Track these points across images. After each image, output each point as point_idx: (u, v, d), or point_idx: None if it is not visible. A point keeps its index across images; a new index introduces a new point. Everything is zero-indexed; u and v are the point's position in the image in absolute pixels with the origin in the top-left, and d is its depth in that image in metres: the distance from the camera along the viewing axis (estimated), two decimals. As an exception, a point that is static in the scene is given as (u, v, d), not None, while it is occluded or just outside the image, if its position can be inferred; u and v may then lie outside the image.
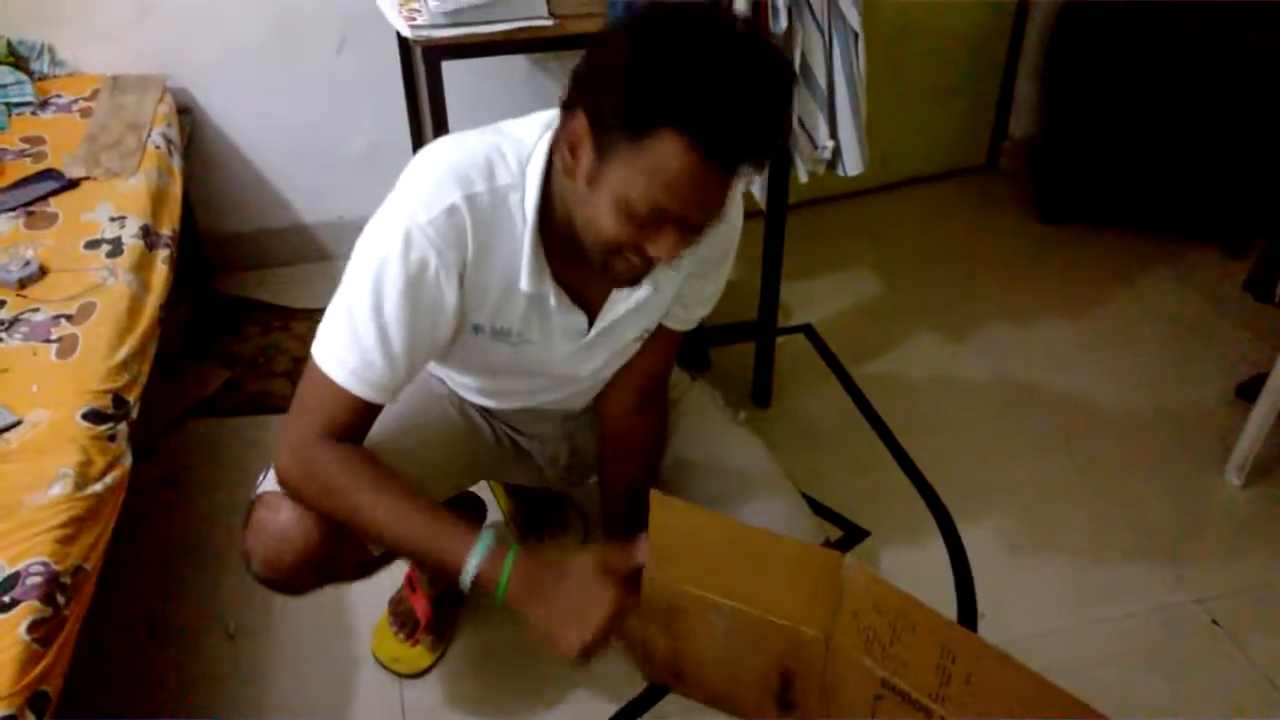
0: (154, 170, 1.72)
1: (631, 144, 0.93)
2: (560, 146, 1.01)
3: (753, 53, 0.94)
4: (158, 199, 1.67)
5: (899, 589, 1.10)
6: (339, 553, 1.13)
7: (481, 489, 1.61)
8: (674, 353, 1.34)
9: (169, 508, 1.66)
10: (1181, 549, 1.62)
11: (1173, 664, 1.43)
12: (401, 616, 1.44)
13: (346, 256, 1.05)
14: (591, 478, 1.45)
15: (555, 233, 1.07)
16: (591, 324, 1.17)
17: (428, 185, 1.04)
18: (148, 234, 1.56)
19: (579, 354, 1.22)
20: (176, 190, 1.77)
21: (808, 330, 2.15)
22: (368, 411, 1.09)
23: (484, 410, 1.35)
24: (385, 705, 1.38)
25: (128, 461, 1.23)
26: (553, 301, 1.12)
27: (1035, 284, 2.31)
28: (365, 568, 1.22)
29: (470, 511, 1.54)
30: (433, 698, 1.39)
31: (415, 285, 1.04)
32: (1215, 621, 1.49)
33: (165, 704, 1.38)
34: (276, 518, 1.11)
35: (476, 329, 1.15)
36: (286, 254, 2.36)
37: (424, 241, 1.02)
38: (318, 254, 2.38)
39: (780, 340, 1.97)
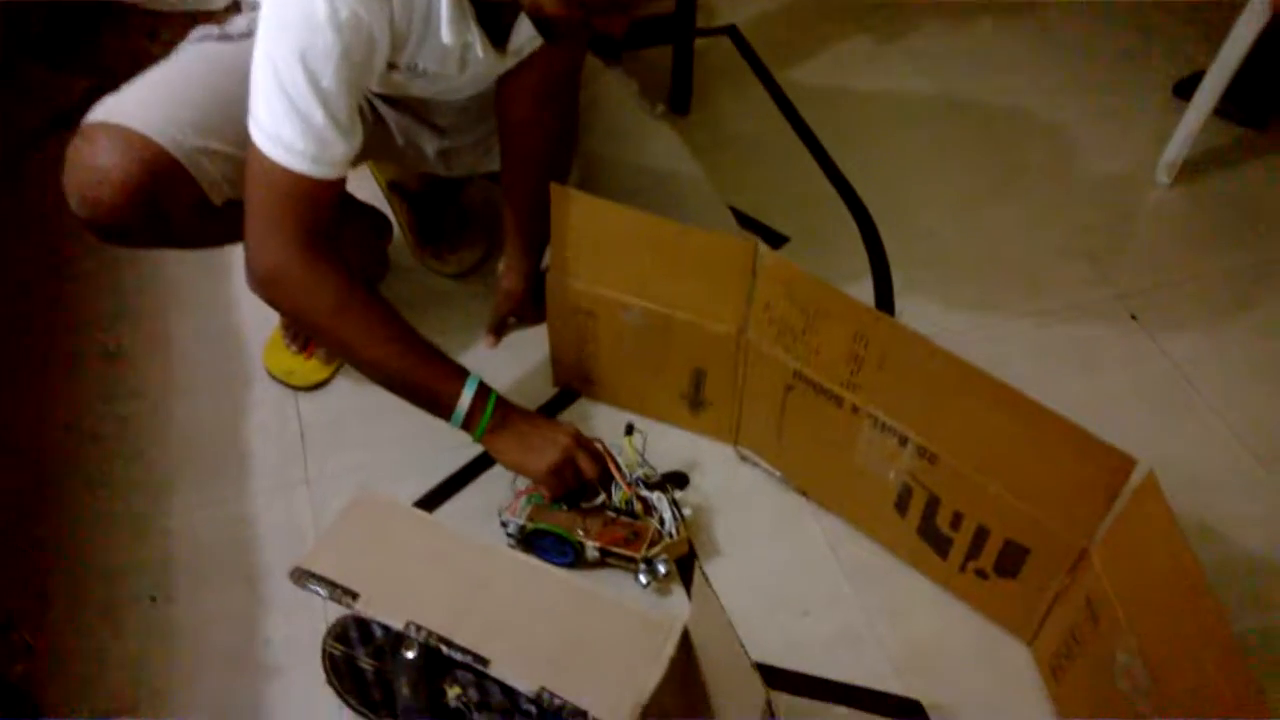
0: None
1: None
2: None
3: None
4: None
5: (812, 275, 1.04)
6: (168, 193, 1.05)
7: (382, 203, 1.50)
8: (582, 49, 1.25)
9: (40, 222, 1.51)
10: (1105, 247, 1.59)
11: (1091, 359, 1.42)
12: (294, 329, 1.35)
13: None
14: (481, 169, 1.34)
15: None
16: (506, 44, 1.09)
17: None
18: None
19: (492, 71, 1.15)
20: None
21: (731, 32, 2.00)
22: (336, 190, 1.03)
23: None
24: (281, 419, 1.33)
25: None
26: (478, 51, 1.04)
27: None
28: (207, 227, 1.13)
29: (373, 226, 1.44)
30: (330, 410, 1.33)
31: (350, 47, 0.95)
32: (1134, 317, 1.48)
33: (44, 426, 1.31)
34: (93, 149, 1.02)
35: (392, 67, 1.07)
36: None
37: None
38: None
39: (702, 43, 1.82)
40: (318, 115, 0.96)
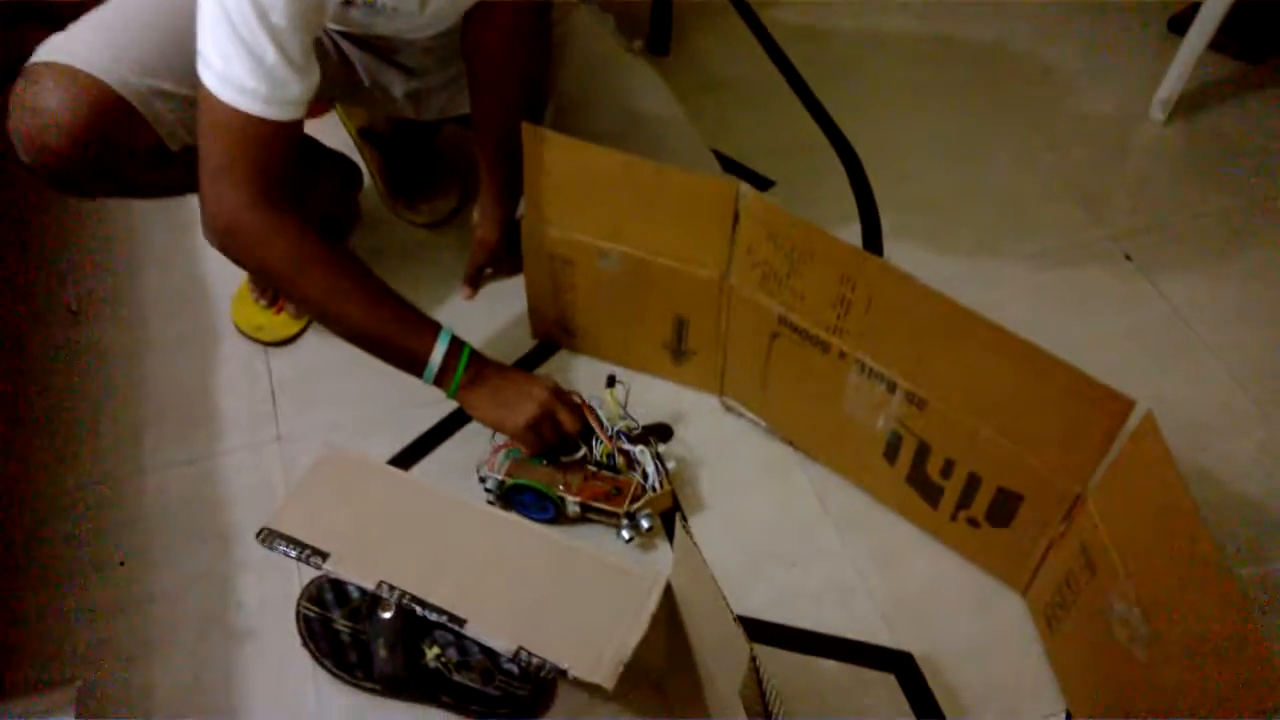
0: None
1: None
2: None
3: None
4: None
5: (796, 216, 0.99)
6: (120, 137, 1.00)
7: (353, 151, 1.45)
8: None
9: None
10: (1099, 186, 1.55)
11: (1086, 300, 1.39)
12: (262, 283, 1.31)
13: None
14: (451, 111, 1.29)
15: None
16: None
17: None
18: None
19: (456, 6, 1.10)
20: None
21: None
22: (293, 133, 0.98)
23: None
24: (251, 375, 1.29)
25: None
26: None
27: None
28: (165, 175, 1.08)
29: (343, 175, 1.39)
30: (301, 365, 1.29)
31: None
32: (1128, 257, 1.44)
33: (5, 388, 1.27)
34: (37, 90, 0.97)
35: (348, 3, 1.03)
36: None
37: None
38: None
39: (682, -19, 1.76)
40: (269, 53, 0.91)
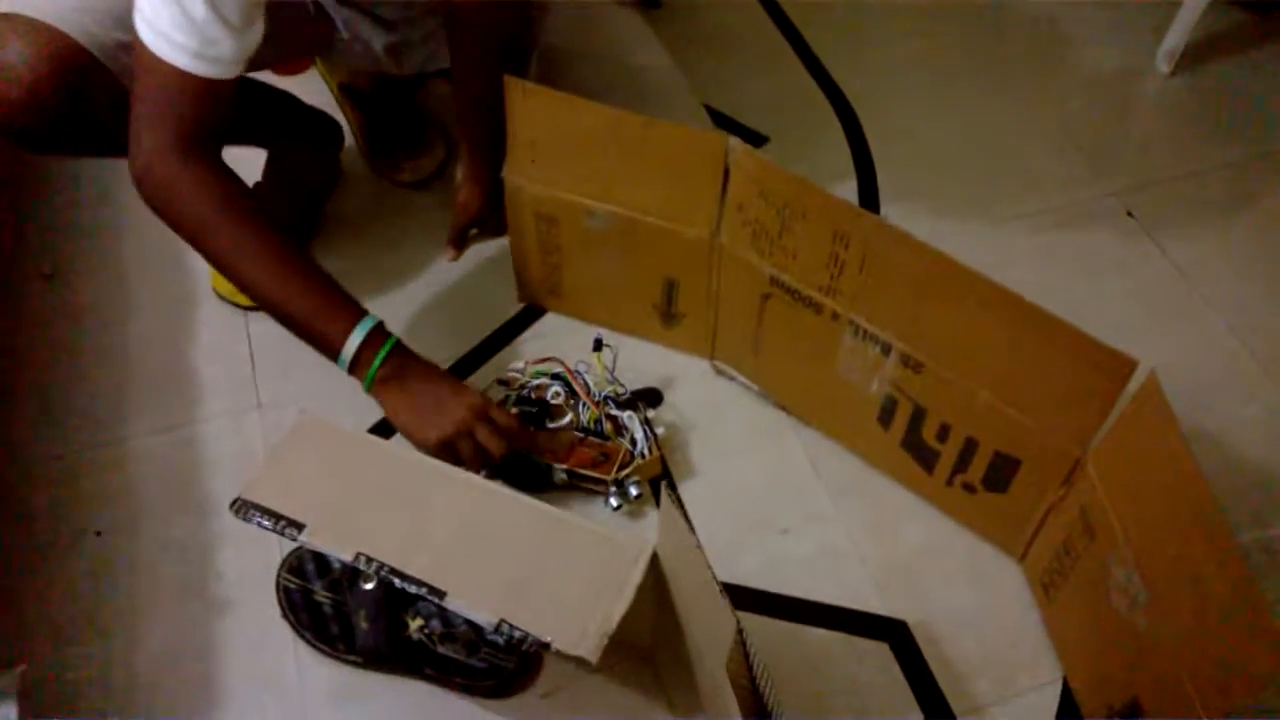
0: None
1: None
2: None
3: None
4: None
5: (788, 171, 0.96)
6: (86, 91, 0.96)
7: (335, 109, 1.41)
8: None
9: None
10: (1101, 141, 1.50)
11: (1086, 259, 1.35)
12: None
13: None
14: (434, 65, 1.24)
15: None
16: None
17: None
18: None
19: None
20: None
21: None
22: (225, 91, 0.93)
23: None
24: (232, 339, 1.25)
25: None
26: None
27: None
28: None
29: (323, 134, 1.35)
30: (282, 330, 1.24)
31: None
32: (1131, 214, 1.40)
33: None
34: None
35: None
36: None
37: None
38: None
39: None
40: (199, 9, 0.87)
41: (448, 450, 1.02)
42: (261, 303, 1.01)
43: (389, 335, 1.02)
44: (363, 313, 1.01)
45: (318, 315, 1.00)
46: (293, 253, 1.00)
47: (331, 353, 1.01)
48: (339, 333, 0.99)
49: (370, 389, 1.02)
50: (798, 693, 0.98)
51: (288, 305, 0.99)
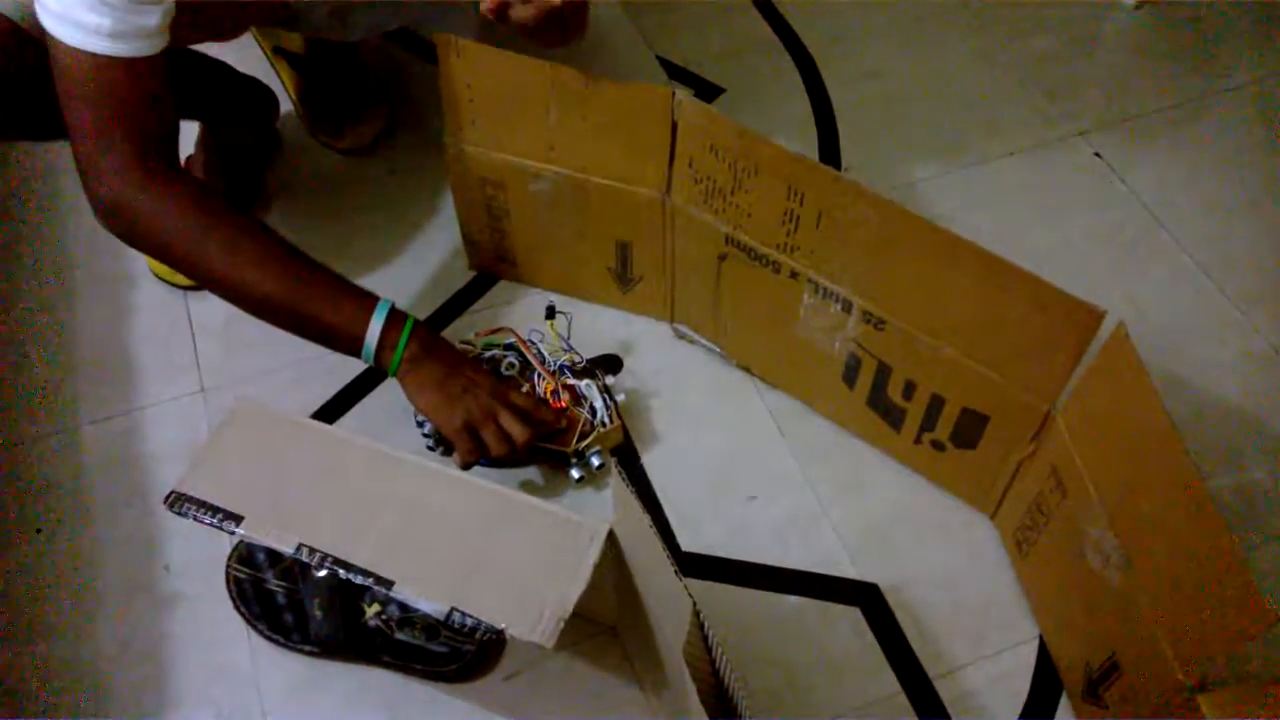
0: None
1: None
2: None
3: None
4: None
5: (737, 124, 0.91)
6: (11, 65, 0.91)
7: (271, 79, 1.34)
8: None
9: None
10: (1066, 79, 1.46)
11: (1054, 203, 1.31)
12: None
13: None
14: (381, 28, 1.18)
15: None
16: None
17: None
18: None
19: None
20: None
21: None
22: (157, 70, 0.85)
23: None
24: (170, 323, 1.20)
25: None
26: None
27: None
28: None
29: (257, 101, 1.28)
30: (223, 311, 1.15)
31: None
32: (1098, 154, 1.36)
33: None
34: None
35: None
36: None
37: None
38: None
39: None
40: None
41: (469, 434, 0.98)
42: (267, 310, 0.95)
43: (406, 315, 0.97)
44: (374, 297, 0.96)
45: (331, 309, 0.94)
46: (289, 250, 0.94)
47: (353, 344, 0.96)
48: (358, 322, 0.94)
49: (396, 373, 0.97)
50: (769, 661, 0.96)
51: (297, 306, 0.94)
